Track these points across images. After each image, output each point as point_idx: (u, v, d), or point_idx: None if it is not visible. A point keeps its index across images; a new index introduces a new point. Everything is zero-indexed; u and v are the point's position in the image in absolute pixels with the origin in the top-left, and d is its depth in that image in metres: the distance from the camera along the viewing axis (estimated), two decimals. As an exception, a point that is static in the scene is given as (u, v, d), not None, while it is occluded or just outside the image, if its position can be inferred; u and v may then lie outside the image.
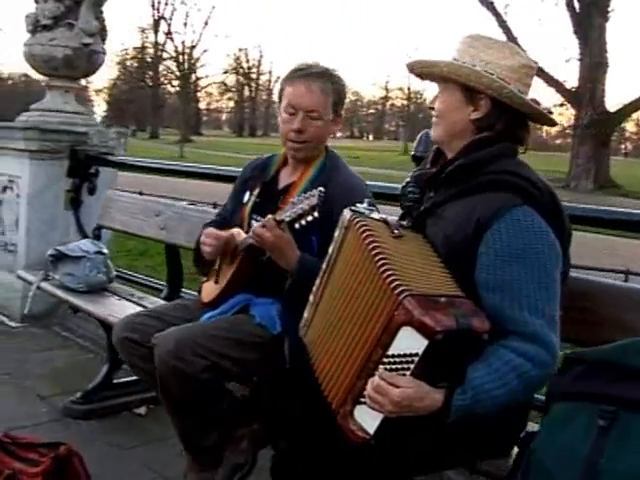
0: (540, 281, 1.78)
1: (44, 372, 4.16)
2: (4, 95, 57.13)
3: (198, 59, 57.96)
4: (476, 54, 1.94)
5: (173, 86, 59.70)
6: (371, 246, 1.78)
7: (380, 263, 1.73)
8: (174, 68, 58.02)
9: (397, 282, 1.68)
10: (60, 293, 3.68)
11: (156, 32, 56.96)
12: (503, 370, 1.71)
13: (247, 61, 72.36)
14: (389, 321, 1.67)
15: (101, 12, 5.28)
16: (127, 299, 3.67)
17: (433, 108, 2.04)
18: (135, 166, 5.06)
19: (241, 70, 72.63)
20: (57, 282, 3.75)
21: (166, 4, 56.31)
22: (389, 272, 1.70)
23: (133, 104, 60.62)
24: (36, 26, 5.14)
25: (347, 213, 1.96)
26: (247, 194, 2.75)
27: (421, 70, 2.03)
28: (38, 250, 4.79)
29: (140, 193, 9.71)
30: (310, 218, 2.24)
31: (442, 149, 2.06)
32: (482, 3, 30.11)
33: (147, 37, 58.13)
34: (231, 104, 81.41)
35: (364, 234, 1.83)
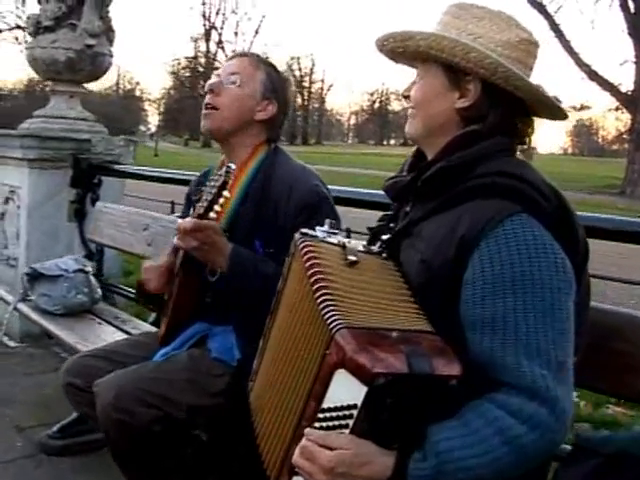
0: (544, 315, 1.33)
1: (30, 399, 3.81)
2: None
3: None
4: (463, 26, 1.53)
5: (225, 95, 59.69)
6: (314, 278, 1.37)
7: (320, 297, 1.32)
8: (226, 77, 57.88)
9: (334, 315, 1.27)
10: (34, 316, 3.35)
11: (207, 41, 57.44)
12: (485, 433, 1.26)
13: (299, 69, 72.52)
14: (321, 364, 1.26)
15: (107, 12, 4.96)
16: (110, 322, 3.33)
17: (408, 97, 1.61)
18: (139, 175, 4.70)
19: (293, 78, 72.65)
20: (34, 303, 3.42)
21: (217, 14, 56.69)
22: (328, 306, 1.29)
23: (186, 113, 61.01)
24: (38, 28, 4.84)
25: (296, 236, 1.55)
26: (192, 211, 2.37)
27: (393, 46, 1.59)
28: (39, 265, 4.45)
29: (172, 204, 9.52)
30: (222, 200, 1.92)
31: (422, 150, 1.64)
32: (532, 5, 29.40)
33: (199, 47, 58.58)
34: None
35: (308, 262, 1.42)
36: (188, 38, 58.65)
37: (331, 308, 1.29)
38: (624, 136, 45.61)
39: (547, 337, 1.32)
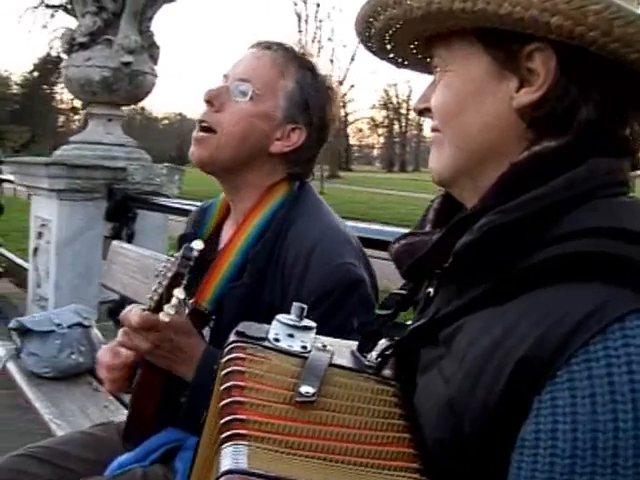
0: None
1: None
2: (159, 135, 59.45)
3: (345, 95, 57.93)
4: None
5: (322, 122, 59.88)
6: (225, 420, 0.76)
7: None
8: (323, 105, 58.16)
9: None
10: (18, 379, 2.76)
11: (304, 70, 57.57)
12: None
13: (397, 96, 72.02)
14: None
15: (148, 26, 4.45)
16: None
17: (425, 112, 0.95)
18: (178, 209, 4.11)
19: (390, 105, 72.38)
20: (23, 363, 2.85)
21: (313, 41, 56.92)
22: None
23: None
24: (72, 45, 4.37)
25: (231, 336, 0.92)
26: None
27: (384, 24, 0.91)
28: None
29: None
30: (174, 300, 1.28)
31: (453, 194, 0.96)
32: None
33: (296, 75, 58.83)
34: (382, 139, 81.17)
35: (223, 398, 0.80)
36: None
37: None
38: None
39: None
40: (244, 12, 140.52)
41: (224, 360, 0.86)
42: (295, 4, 56.25)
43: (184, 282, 1.31)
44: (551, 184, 0.79)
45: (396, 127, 75.14)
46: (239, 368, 0.83)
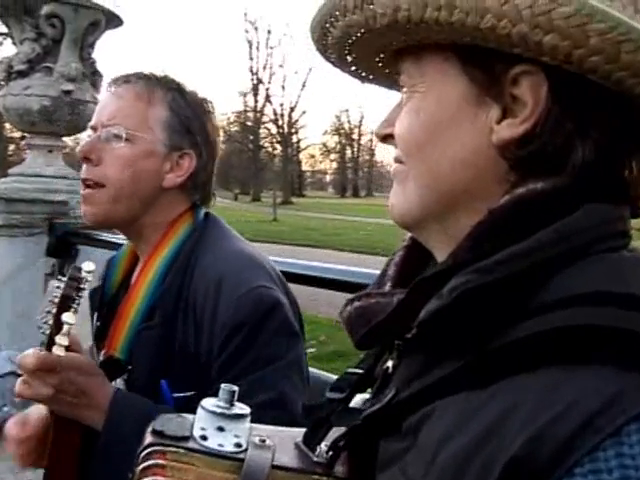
0: None
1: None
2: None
3: (297, 121, 58.07)
4: None
5: (275, 148, 59.97)
6: None
7: None
8: (274, 131, 58.32)
9: None
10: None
11: (255, 96, 57.61)
12: None
13: (349, 122, 72.42)
14: None
15: (89, 52, 4.26)
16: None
17: (388, 138, 0.79)
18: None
19: (342, 131, 72.72)
20: (-50, 418, 2.61)
21: (264, 68, 57.04)
22: None
23: (236, 168, 61.09)
24: (10, 73, 4.15)
25: (147, 438, 0.73)
26: (95, 315, 1.61)
27: (346, 33, 0.74)
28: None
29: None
30: (66, 328, 1.18)
31: (418, 239, 0.80)
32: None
33: (247, 101, 58.86)
34: (334, 165, 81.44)
35: None
36: (236, 93, 59.05)
37: None
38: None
39: None
40: (194, 39, 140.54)
41: (140, 468, 0.69)
42: (246, 31, 56.60)
43: (74, 306, 1.22)
44: (538, 236, 0.64)
45: (348, 152, 75.44)
46: (159, 479, 0.66)
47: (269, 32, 56.61)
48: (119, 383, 1.45)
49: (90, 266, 1.25)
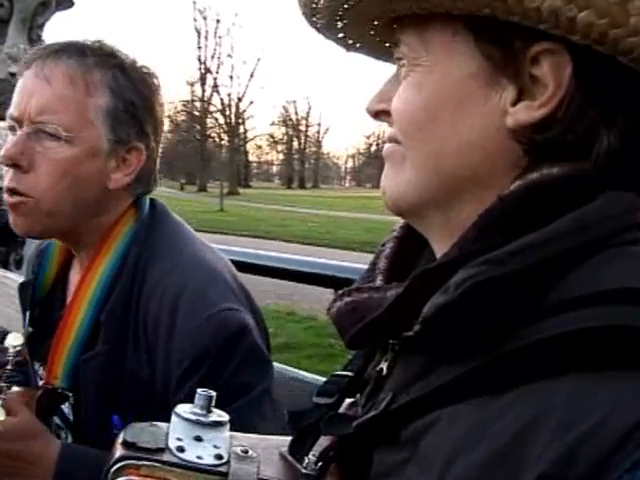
0: None
1: None
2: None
3: (244, 111, 57.62)
4: None
5: (222, 139, 59.45)
6: None
7: None
8: (222, 121, 57.78)
9: None
10: None
11: (203, 85, 56.97)
12: None
13: (296, 113, 72.23)
14: None
15: (39, 34, 4.12)
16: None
17: (381, 115, 0.73)
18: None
19: (290, 122, 72.48)
20: None
21: (212, 58, 56.42)
22: None
23: (182, 158, 60.39)
24: (-46, 53, 3.99)
25: (118, 451, 0.66)
26: (27, 315, 1.43)
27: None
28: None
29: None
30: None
31: (414, 227, 0.74)
32: None
33: (195, 90, 58.20)
34: (281, 156, 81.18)
35: None
36: (184, 81, 58.18)
37: None
38: None
39: None
40: (142, 26, 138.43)
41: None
42: (195, 20, 55.84)
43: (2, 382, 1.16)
44: (555, 225, 0.60)
45: (295, 144, 75.24)
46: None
47: (218, 21, 55.92)
48: (67, 409, 1.33)
49: (18, 339, 1.20)
